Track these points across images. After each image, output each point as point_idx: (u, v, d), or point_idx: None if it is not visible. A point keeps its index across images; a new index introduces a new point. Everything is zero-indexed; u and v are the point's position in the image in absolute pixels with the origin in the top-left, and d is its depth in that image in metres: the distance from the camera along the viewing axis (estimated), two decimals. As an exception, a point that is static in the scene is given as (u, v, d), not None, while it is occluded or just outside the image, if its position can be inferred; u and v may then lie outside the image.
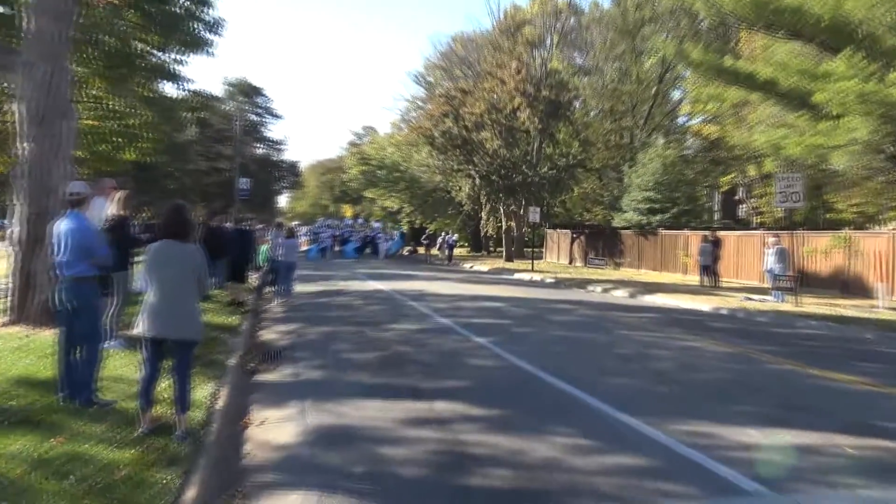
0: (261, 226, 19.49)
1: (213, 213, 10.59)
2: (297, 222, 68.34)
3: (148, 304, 3.90)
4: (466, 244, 45.21)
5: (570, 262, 27.05)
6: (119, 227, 5.49)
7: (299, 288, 13.69)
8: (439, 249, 27.38)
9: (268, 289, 12.98)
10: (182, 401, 4.00)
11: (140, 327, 3.89)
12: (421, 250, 32.12)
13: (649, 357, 7.06)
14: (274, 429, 4.50)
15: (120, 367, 5.29)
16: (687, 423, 4.61)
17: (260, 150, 42.94)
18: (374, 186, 36.13)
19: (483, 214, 28.59)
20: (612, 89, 27.55)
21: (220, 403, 4.76)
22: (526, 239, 34.22)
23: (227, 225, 10.61)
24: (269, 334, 8.16)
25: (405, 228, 39.61)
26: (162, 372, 4.16)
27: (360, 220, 35.63)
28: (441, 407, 4.97)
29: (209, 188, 37.52)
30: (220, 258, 10.42)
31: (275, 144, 43.01)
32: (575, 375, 6.00)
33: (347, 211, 63.52)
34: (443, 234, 28.51)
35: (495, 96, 25.88)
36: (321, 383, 5.64)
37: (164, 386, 4.49)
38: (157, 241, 3.94)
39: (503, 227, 29.28)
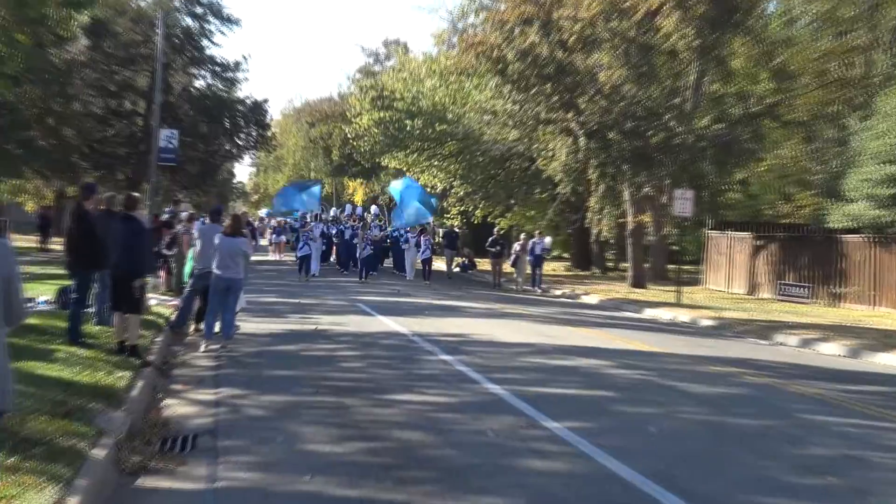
0: (184, 212, 20.35)
1: (90, 189, 11.02)
2: (265, 211, 71.03)
3: None
4: (563, 253, 45.87)
5: (751, 291, 26.87)
6: None
7: (249, 325, 14.31)
8: (515, 264, 27.80)
9: (191, 325, 13.71)
10: None
11: None
12: (484, 265, 32.77)
13: (864, 465, 7.05)
14: None
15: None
16: None
17: (201, 80, 44.84)
18: (400, 148, 37.10)
19: (592, 202, 28.78)
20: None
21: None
22: (671, 247, 33.93)
23: (117, 211, 10.95)
24: (180, 405, 8.56)
25: (455, 224, 40.31)
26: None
27: (374, 211, 36.52)
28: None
29: (107, 146, 39.34)
30: (98, 267, 10.77)
31: (226, 71, 44.57)
32: (718, 498, 6.08)
33: (357, 193, 65.13)
34: (522, 236, 28.89)
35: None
36: (251, 498, 5.81)
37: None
38: None
39: (627, 227, 29.40)
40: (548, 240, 28.88)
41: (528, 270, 27.65)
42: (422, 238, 29.49)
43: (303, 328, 14.59)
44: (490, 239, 28.84)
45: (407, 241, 30.69)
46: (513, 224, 38.15)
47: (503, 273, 28.90)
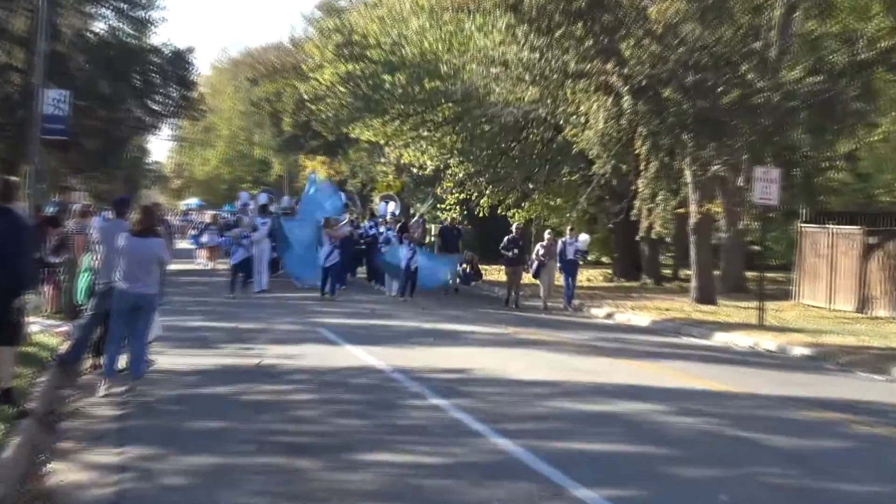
0: (77, 204, 20.34)
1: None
2: (188, 203, 70.55)
3: None
4: (602, 257, 45.99)
5: (862, 308, 26.91)
6: None
7: (167, 359, 14.28)
8: (538, 274, 27.69)
9: (88, 360, 13.57)
10: None
11: None
12: (493, 274, 32.55)
13: None
14: None
15: None
16: None
17: (101, 22, 44.66)
18: (376, 114, 37.04)
19: (641, 186, 28.78)
20: None
21: None
22: (750, 248, 33.81)
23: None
24: (71, 471, 8.55)
25: (455, 219, 40.30)
26: None
27: (344, 198, 36.54)
28: None
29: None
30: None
31: (136, 7, 44.43)
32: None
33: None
34: (548, 234, 28.82)
35: None
36: None
37: None
38: None
39: (690, 221, 29.42)
40: (583, 238, 28.60)
41: (557, 281, 27.61)
42: (404, 237, 29.48)
43: (241, 363, 14.59)
44: (505, 239, 28.67)
45: (388, 240, 30.67)
46: (531, 217, 38.21)
47: (518, 285, 28.91)
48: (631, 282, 36.88)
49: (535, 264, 28.21)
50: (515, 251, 28.37)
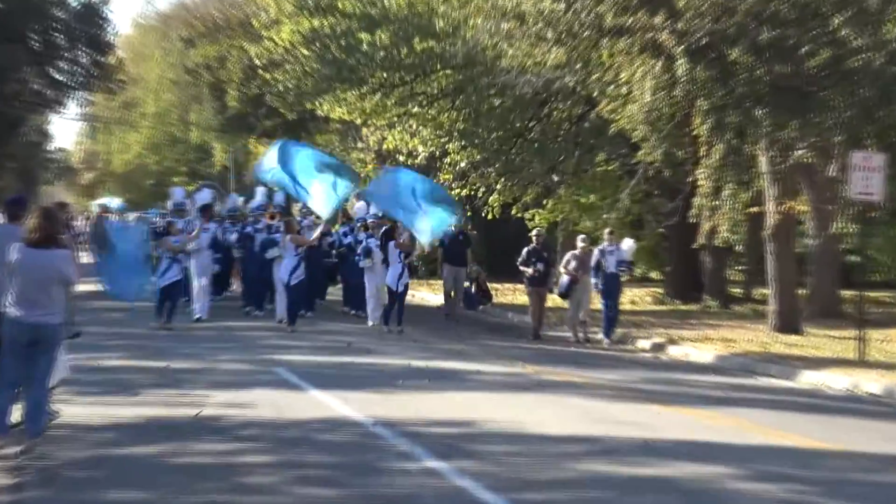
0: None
1: None
2: (104, 202, 70.54)
3: None
4: (649, 272, 46.00)
5: None
6: None
7: (75, 409, 14.22)
8: (568, 293, 27.38)
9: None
10: None
11: None
12: (511, 295, 32.55)
13: None
14: None
15: None
16: None
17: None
18: (351, 84, 36.84)
19: (702, 177, 28.70)
20: None
21: None
22: (847, 259, 33.65)
23: None
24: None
25: (461, 224, 40.09)
26: None
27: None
28: None
29: None
30: None
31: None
32: None
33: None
34: (581, 241, 28.48)
35: None
36: None
37: None
38: None
39: (766, 223, 29.34)
40: (628, 245, 28.24)
41: (593, 304, 27.64)
42: (391, 246, 28.88)
43: (174, 414, 14.57)
44: (525, 251, 28.45)
45: (369, 251, 29.99)
46: (556, 220, 38.15)
47: (545, 309, 28.96)
48: (688, 304, 36.94)
49: (564, 280, 28.14)
50: (539, 266, 28.14)
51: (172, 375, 18.33)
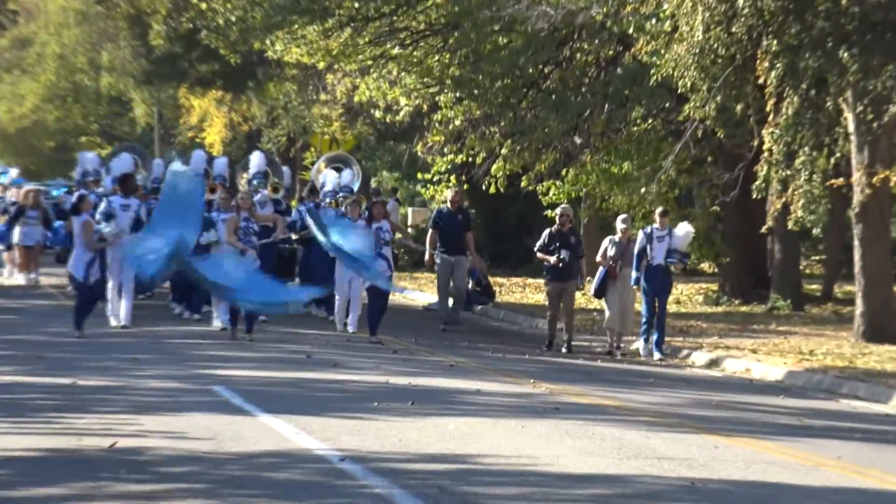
0: None
1: None
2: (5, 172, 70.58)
3: None
4: (701, 262, 45.48)
5: None
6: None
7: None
8: (603, 291, 26.98)
9: None
10: None
11: None
12: (519, 294, 32.43)
13: None
14: None
15: None
16: None
17: None
18: (312, 15, 36.69)
19: (767, 138, 28.66)
20: None
21: None
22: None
23: None
24: None
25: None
26: None
27: (258, 164, 35.99)
28: None
29: None
30: None
31: None
32: None
33: (211, 126, 64.80)
34: (621, 223, 28.05)
35: None
36: None
37: None
38: None
39: (855, 197, 29.22)
40: (684, 230, 28.19)
41: (636, 304, 27.60)
42: (381, 229, 28.51)
43: (83, 445, 14.49)
44: (545, 234, 28.47)
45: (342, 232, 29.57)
46: (577, 194, 38.17)
47: (573, 312, 28.91)
48: (751, 305, 37.17)
49: (598, 276, 28.07)
50: (564, 255, 28.04)
51: (80, 395, 18.31)
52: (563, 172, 37.46)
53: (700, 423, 17.96)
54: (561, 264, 27.57)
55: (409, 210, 43.24)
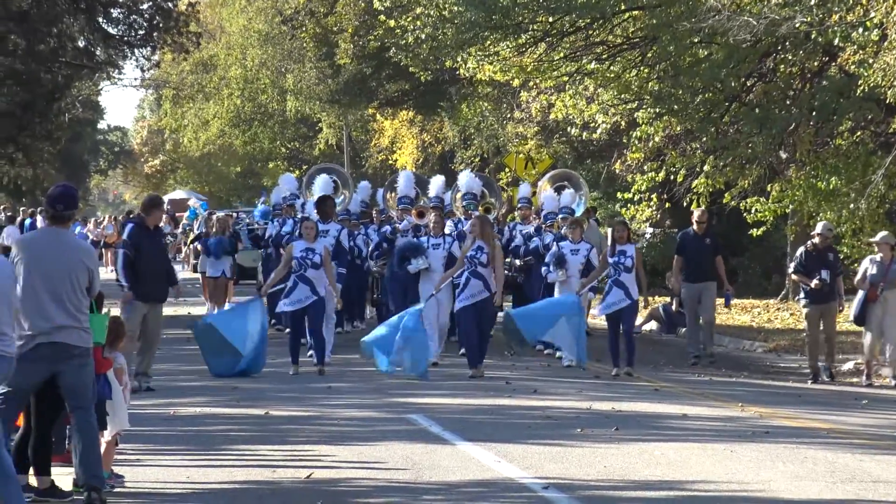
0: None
1: None
2: (178, 195, 70.86)
3: None
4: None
5: None
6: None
7: (141, 471, 14.54)
8: (864, 316, 26.26)
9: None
10: None
11: None
12: (727, 314, 32.01)
13: None
14: None
15: None
16: None
17: None
18: (505, 29, 36.58)
19: None
20: None
21: None
22: None
23: None
24: None
25: (648, 214, 40.05)
26: None
27: (471, 184, 35.63)
28: None
29: None
30: None
31: None
32: None
33: (402, 148, 64.81)
34: (881, 239, 27.06)
35: None
36: None
37: None
38: None
39: None
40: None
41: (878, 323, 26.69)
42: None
43: (278, 478, 14.69)
44: (801, 252, 27.98)
45: (562, 259, 28.73)
46: (784, 210, 37.93)
47: (834, 336, 28.34)
48: None
49: (858, 298, 27.22)
50: (825, 275, 27.36)
51: (273, 424, 18.63)
52: (768, 188, 37.19)
53: None
54: (822, 282, 26.85)
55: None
